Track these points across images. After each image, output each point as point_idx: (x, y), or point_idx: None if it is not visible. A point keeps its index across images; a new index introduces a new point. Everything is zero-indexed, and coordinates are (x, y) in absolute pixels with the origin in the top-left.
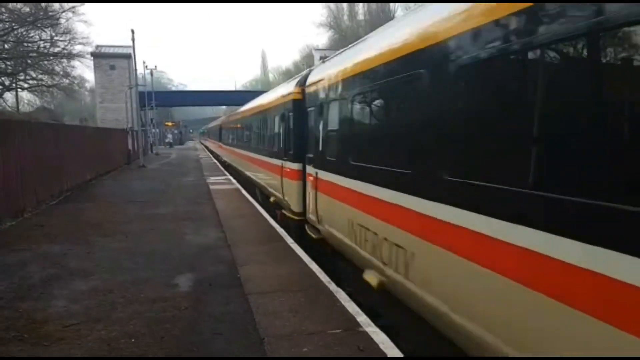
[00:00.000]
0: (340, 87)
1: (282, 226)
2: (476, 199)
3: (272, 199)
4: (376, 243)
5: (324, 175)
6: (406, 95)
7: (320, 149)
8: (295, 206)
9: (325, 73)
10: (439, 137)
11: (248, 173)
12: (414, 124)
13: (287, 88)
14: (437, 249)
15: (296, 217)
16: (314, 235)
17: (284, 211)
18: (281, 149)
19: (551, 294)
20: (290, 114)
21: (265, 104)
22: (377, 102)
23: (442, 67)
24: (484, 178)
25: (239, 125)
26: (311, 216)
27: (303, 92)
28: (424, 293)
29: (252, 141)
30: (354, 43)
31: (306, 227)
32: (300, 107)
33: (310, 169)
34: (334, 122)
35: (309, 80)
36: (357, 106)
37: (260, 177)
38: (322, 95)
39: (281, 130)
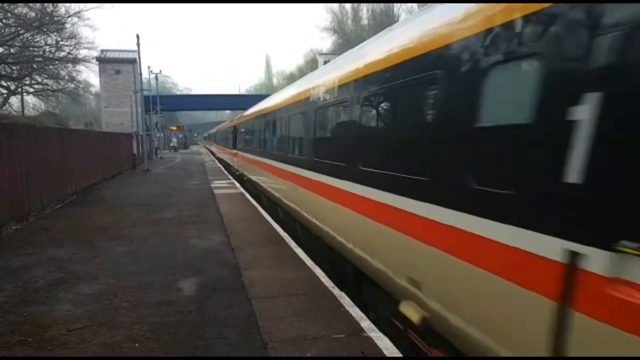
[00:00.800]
0: (240, 124)
1: (239, 182)
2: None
3: (234, 169)
4: (249, 169)
5: (239, 152)
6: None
7: (237, 143)
8: (237, 168)
9: (234, 119)
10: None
11: (224, 158)
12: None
13: (233, 119)
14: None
15: (236, 172)
16: (237, 173)
17: (233, 169)
18: (232, 144)
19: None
20: (233, 131)
21: (227, 124)
22: (249, 128)
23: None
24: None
25: (219, 134)
26: (237, 168)
27: (235, 123)
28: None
29: (223, 142)
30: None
31: (237, 173)
32: (235, 129)
33: (236, 151)
34: (240, 134)
35: (235, 119)
36: (242, 130)
37: (228, 158)
38: (238, 125)
39: (231, 137)
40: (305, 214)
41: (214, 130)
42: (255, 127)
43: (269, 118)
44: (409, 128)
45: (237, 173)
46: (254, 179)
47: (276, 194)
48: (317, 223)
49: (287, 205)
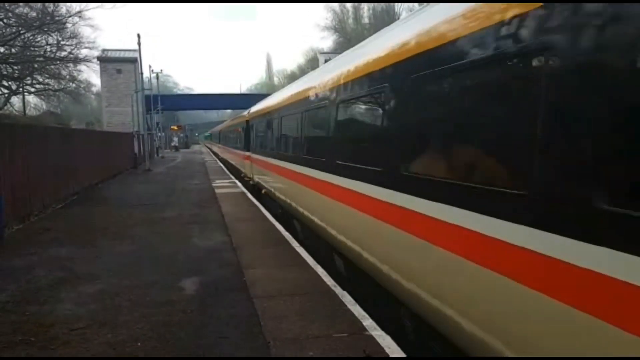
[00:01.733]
0: (222, 129)
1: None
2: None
3: (219, 156)
4: (218, 150)
5: (219, 144)
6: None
7: (219, 140)
8: (216, 152)
9: (224, 123)
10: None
11: (214, 149)
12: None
13: (224, 123)
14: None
15: (217, 154)
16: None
17: (219, 156)
18: (217, 140)
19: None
20: (218, 133)
21: (217, 128)
22: (223, 133)
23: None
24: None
25: (213, 135)
26: (217, 152)
27: (221, 129)
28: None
29: (215, 140)
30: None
31: (218, 156)
32: (220, 132)
33: (218, 144)
34: (221, 135)
35: (221, 126)
36: (222, 133)
37: (215, 148)
38: (221, 130)
39: (218, 137)
40: (220, 154)
41: (210, 132)
42: (222, 134)
43: (224, 130)
44: None
45: (219, 157)
46: (220, 154)
47: (218, 153)
48: (218, 153)
49: (214, 152)
